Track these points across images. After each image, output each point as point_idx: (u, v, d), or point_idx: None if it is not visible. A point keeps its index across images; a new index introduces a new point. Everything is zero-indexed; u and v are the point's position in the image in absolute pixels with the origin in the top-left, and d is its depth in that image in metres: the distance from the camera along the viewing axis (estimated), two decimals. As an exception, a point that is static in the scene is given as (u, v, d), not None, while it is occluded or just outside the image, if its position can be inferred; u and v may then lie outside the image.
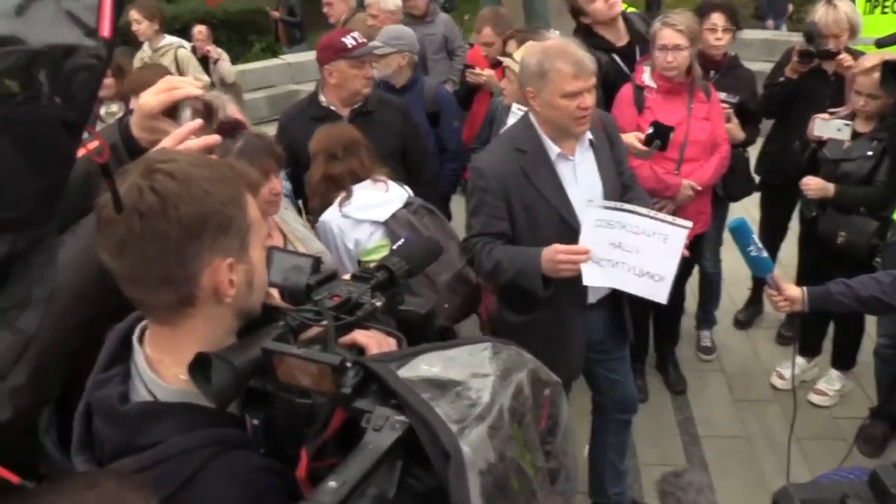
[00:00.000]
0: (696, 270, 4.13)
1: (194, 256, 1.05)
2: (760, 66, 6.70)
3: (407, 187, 3.06)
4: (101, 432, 1.12)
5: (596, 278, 2.48)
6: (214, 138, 1.39)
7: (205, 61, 6.56)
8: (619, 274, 2.46)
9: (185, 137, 1.36)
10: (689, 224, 2.44)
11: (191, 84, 1.44)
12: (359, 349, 1.11)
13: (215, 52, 6.77)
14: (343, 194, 2.86)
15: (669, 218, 2.45)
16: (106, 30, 0.94)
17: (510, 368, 0.94)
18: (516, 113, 3.37)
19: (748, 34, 9.63)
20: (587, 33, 3.65)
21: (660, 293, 2.45)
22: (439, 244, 1.46)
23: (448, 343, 0.99)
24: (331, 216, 2.88)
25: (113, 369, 1.15)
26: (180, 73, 5.36)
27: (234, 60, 8.55)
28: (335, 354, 0.93)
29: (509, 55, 3.70)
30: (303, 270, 1.26)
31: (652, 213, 2.45)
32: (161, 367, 1.11)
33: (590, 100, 2.43)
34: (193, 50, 6.35)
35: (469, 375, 0.91)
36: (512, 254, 2.51)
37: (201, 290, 1.08)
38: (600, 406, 3.08)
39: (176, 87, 1.44)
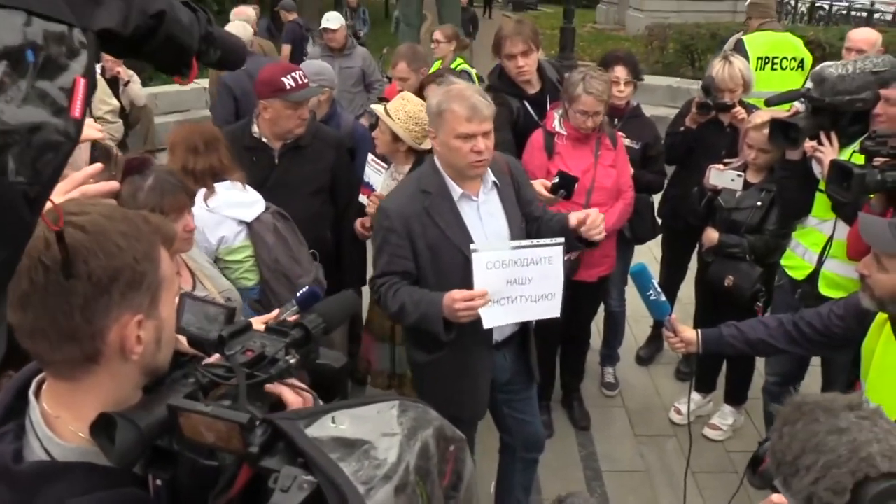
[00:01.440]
0: (601, 308, 4.30)
1: (102, 312, 1.02)
2: (664, 112, 7.08)
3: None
4: None
5: (497, 319, 2.56)
6: (113, 184, 1.36)
7: (114, 83, 6.37)
8: (519, 308, 2.57)
9: (83, 182, 1.33)
10: (562, 239, 2.60)
11: (90, 127, 1.41)
12: (278, 401, 1.10)
13: (125, 73, 6.59)
14: (205, 190, 2.82)
15: (546, 241, 2.58)
16: (77, 110, 0.95)
17: (417, 426, 0.97)
18: (371, 164, 3.45)
19: (654, 81, 10.15)
20: (501, 77, 3.78)
21: (554, 310, 2.63)
22: (356, 302, 1.48)
23: (358, 401, 1.01)
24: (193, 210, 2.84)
25: (6, 425, 1.09)
26: (88, 95, 5.17)
27: (147, 83, 8.35)
28: (243, 412, 0.93)
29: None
30: (216, 320, 1.23)
31: (530, 241, 2.57)
32: (58, 424, 1.06)
33: (483, 144, 2.50)
34: (102, 71, 6.17)
35: (377, 434, 0.93)
36: (416, 297, 2.55)
37: (107, 347, 1.04)
38: (508, 446, 3.14)
39: None
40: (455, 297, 2.45)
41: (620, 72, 3.90)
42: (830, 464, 1.23)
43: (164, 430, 1.00)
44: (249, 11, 7.12)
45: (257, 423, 0.92)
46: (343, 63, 6.09)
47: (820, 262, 3.19)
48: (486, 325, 2.54)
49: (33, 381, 1.12)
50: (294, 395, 1.12)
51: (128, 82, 6.58)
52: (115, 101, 5.68)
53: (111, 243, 1.02)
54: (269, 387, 1.11)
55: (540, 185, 3.20)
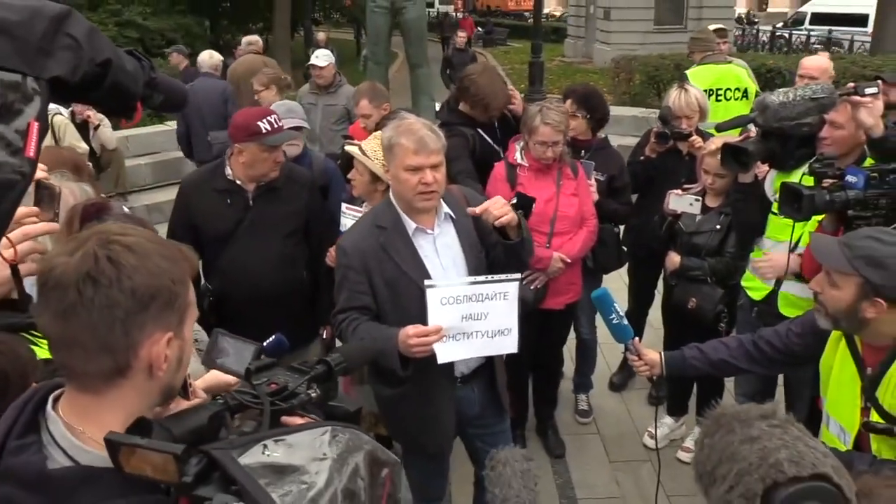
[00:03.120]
0: (572, 336, 4.32)
1: (139, 327, 1.10)
2: (631, 141, 7.20)
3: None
4: (16, 501, 1.09)
5: (452, 354, 2.57)
6: (54, 225, 1.43)
7: (85, 127, 6.41)
8: (474, 343, 2.58)
9: (20, 219, 1.38)
10: (519, 275, 2.62)
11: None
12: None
13: (96, 118, 6.63)
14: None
15: (501, 276, 2.59)
16: (31, 150, 1.07)
17: (348, 451, 1.00)
18: (346, 213, 3.41)
19: (621, 111, 10.35)
20: (451, 111, 3.87)
21: (511, 345, 2.64)
22: (377, 349, 1.60)
23: (292, 428, 1.04)
24: None
25: (28, 437, 1.13)
26: (56, 140, 5.21)
27: (119, 125, 8.38)
28: (178, 444, 0.96)
29: None
30: (245, 356, 1.35)
31: (486, 277, 2.58)
32: (83, 438, 1.11)
33: (431, 176, 2.53)
34: (73, 116, 6.19)
35: (308, 460, 0.96)
36: (374, 333, 2.56)
37: (137, 362, 1.11)
38: (483, 479, 3.12)
39: None
40: (409, 333, 2.46)
41: (569, 104, 3.92)
42: (742, 471, 1.27)
43: (193, 440, 1.06)
44: (253, 39, 8.36)
45: (192, 453, 0.94)
46: (327, 101, 6.12)
47: (778, 283, 3.25)
48: (440, 361, 2.54)
49: (49, 398, 1.17)
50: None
51: (98, 126, 6.61)
52: (84, 145, 5.71)
53: (153, 263, 1.11)
54: (287, 419, 1.19)
55: None
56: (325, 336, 3.70)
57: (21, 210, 1.37)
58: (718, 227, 3.61)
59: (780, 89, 3.06)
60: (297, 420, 1.20)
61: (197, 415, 1.10)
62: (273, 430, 1.04)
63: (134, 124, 1.54)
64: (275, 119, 3.29)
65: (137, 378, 1.13)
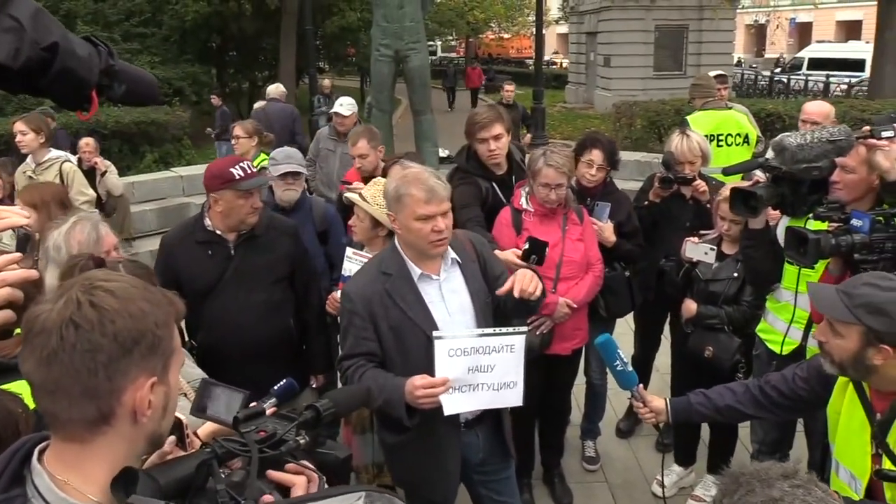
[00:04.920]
0: (578, 382, 4.27)
1: (122, 371, 1.08)
2: (633, 185, 7.23)
3: None
4: None
5: (458, 406, 2.55)
6: (33, 273, 1.38)
7: (92, 174, 6.46)
8: (480, 395, 2.56)
9: (2, 267, 1.34)
10: (526, 328, 2.61)
11: (17, 213, 1.41)
12: (285, 488, 1.17)
13: (103, 164, 6.69)
14: None
15: (509, 329, 2.58)
16: None
17: (381, 517, 0.98)
18: (352, 258, 3.38)
19: (622, 156, 10.41)
20: (469, 159, 3.87)
21: (516, 398, 2.61)
22: (369, 393, 1.61)
23: (324, 492, 1.02)
24: None
25: (13, 490, 1.11)
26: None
27: (125, 171, 8.45)
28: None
29: None
30: (234, 404, 1.34)
31: (493, 329, 2.58)
32: (68, 490, 1.09)
33: (443, 223, 2.56)
34: (80, 163, 6.25)
35: (341, 527, 0.93)
36: (381, 381, 2.54)
37: (121, 408, 1.09)
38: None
39: (0, 216, 1.42)
40: (416, 384, 2.45)
41: (596, 155, 3.90)
42: None
43: (180, 491, 1.04)
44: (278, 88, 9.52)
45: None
46: (345, 148, 6.13)
47: (805, 337, 3.13)
48: (446, 412, 2.53)
49: (35, 450, 1.14)
50: (300, 479, 1.19)
51: (104, 172, 6.67)
52: (91, 192, 5.73)
53: (136, 307, 1.10)
54: (277, 477, 1.18)
55: (511, 255, 3.23)
56: (314, 386, 3.66)
57: (4, 258, 1.33)
58: (735, 274, 3.55)
59: (797, 131, 3.01)
60: (292, 478, 1.18)
61: (184, 464, 1.07)
62: (307, 495, 1.02)
63: (90, 116, 1.33)
64: (247, 165, 3.29)
65: (122, 425, 1.10)
